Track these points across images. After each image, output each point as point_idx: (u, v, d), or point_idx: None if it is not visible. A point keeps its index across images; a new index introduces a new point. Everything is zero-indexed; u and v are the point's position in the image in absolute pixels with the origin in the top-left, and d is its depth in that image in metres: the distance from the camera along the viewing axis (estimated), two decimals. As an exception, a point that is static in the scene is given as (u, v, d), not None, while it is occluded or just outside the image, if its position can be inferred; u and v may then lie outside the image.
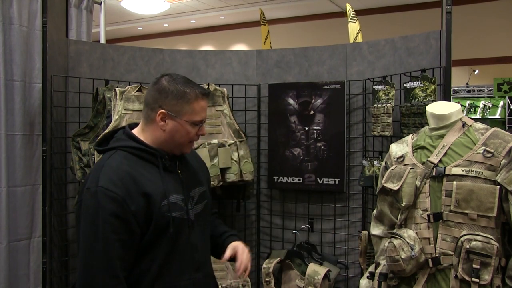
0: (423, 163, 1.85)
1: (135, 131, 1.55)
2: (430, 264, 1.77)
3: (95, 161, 2.46)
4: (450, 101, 2.27)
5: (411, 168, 1.84)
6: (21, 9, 2.62)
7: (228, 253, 1.62)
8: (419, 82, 2.46)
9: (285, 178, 3.06)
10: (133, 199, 1.40)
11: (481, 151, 1.75)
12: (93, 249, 1.37)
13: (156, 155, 1.50)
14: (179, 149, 1.56)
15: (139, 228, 1.41)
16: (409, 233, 1.80)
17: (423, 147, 1.91)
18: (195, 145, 2.76)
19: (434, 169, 1.80)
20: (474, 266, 1.66)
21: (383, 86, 2.71)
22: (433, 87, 2.40)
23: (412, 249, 1.75)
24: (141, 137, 1.53)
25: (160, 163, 1.50)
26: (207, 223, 1.66)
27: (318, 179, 2.98)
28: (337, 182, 2.95)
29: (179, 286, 1.49)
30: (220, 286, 2.77)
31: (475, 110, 8.16)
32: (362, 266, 2.71)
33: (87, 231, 1.39)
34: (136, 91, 2.60)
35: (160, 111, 1.49)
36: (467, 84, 8.58)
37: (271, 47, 6.96)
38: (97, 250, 1.37)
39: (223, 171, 2.74)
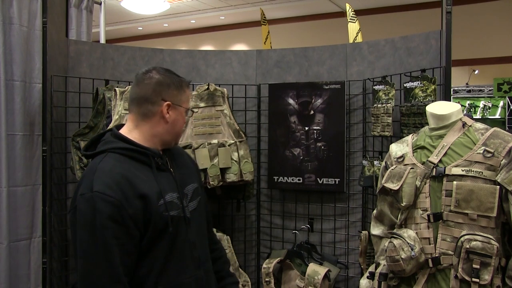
0: (423, 163, 1.85)
1: (124, 132, 1.51)
2: (430, 264, 1.77)
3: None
4: (450, 101, 2.27)
5: (411, 168, 1.84)
6: (21, 9, 2.62)
7: None
8: (419, 82, 2.46)
9: (285, 178, 3.06)
10: (130, 202, 1.36)
11: (481, 151, 1.75)
12: (93, 257, 1.33)
13: (148, 154, 1.48)
14: (175, 140, 1.59)
15: (138, 231, 1.38)
16: (409, 233, 1.80)
17: (423, 147, 1.91)
18: (195, 145, 2.76)
19: (434, 169, 1.80)
20: (474, 266, 1.66)
21: (383, 86, 2.71)
22: (433, 87, 2.40)
23: (412, 249, 1.75)
24: (131, 136, 1.49)
25: (153, 162, 1.48)
26: (203, 220, 1.65)
27: (318, 179, 2.99)
28: (337, 182, 2.95)
29: (182, 284, 1.48)
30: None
31: (475, 110, 8.17)
32: (362, 266, 2.71)
33: (85, 239, 1.34)
34: (136, 91, 2.59)
35: (165, 103, 1.50)
36: (467, 84, 8.59)
37: (271, 47, 6.96)
38: (97, 257, 1.32)
39: (223, 171, 2.74)
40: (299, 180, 3.03)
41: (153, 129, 1.51)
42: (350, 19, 5.93)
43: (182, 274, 1.48)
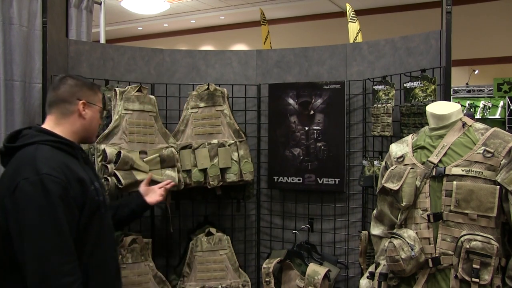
0: (423, 163, 1.85)
1: (48, 128, 1.68)
2: (430, 264, 1.77)
3: (93, 160, 2.46)
4: (450, 101, 2.27)
5: (411, 168, 1.85)
6: (21, 9, 2.61)
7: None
8: (419, 82, 2.46)
9: (285, 178, 3.06)
10: (71, 184, 1.54)
11: (481, 151, 1.75)
12: (45, 234, 1.45)
13: (75, 147, 1.69)
14: (91, 136, 1.81)
15: (77, 211, 1.56)
16: (409, 233, 1.80)
17: (423, 147, 1.91)
18: (195, 145, 2.76)
19: (434, 169, 1.80)
20: (474, 266, 1.66)
21: (383, 86, 2.71)
22: (433, 87, 2.40)
23: (412, 249, 1.75)
24: (56, 132, 1.67)
25: (79, 155, 1.70)
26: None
27: (318, 179, 2.98)
28: (337, 182, 2.95)
29: (107, 263, 1.69)
30: (220, 286, 2.77)
31: (475, 110, 8.17)
32: (362, 266, 2.71)
33: (36, 219, 1.45)
34: (136, 91, 2.60)
35: (81, 102, 1.71)
36: (467, 84, 8.59)
37: (271, 47, 6.97)
38: (50, 233, 1.45)
39: (223, 171, 2.74)
40: (299, 180, 3.03)
41: (73, 126, 1.71)
42: (350, 19, 5.94)
43: (106, 253, 1.70)
